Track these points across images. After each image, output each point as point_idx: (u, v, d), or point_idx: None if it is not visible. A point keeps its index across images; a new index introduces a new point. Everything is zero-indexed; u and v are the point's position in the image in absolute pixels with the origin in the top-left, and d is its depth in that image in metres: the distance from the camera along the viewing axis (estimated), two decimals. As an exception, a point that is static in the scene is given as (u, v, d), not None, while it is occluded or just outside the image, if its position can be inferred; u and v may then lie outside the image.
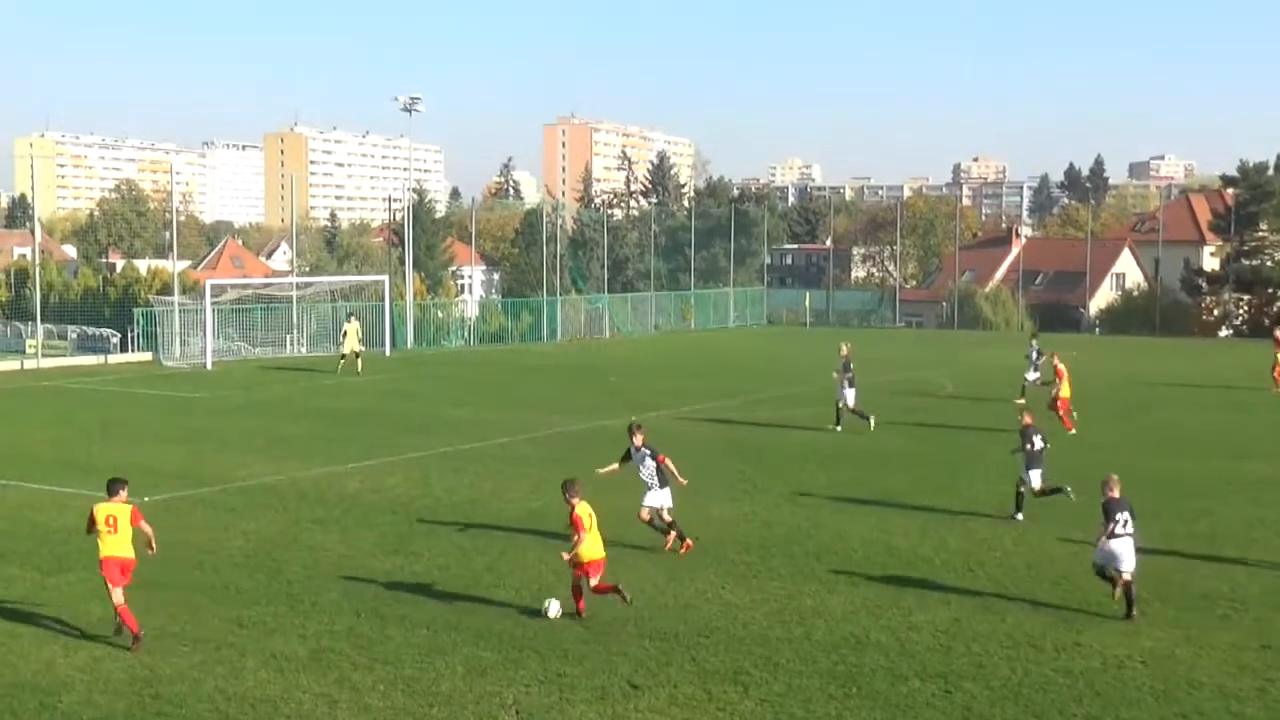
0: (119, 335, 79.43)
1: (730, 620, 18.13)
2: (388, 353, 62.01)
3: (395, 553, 21.93)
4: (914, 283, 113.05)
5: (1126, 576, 18.21)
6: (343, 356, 52.91)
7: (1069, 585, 19.87)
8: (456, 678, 15.76)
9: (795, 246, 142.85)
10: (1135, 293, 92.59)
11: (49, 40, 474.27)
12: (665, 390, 46.17)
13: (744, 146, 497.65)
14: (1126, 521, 18.28)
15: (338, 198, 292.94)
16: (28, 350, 65.60)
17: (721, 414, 40.06)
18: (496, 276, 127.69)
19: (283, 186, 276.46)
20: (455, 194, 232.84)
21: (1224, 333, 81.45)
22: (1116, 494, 18.61)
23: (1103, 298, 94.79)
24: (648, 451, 22.50)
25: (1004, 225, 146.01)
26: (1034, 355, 42.47)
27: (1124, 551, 18.25)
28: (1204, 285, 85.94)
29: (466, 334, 75.20)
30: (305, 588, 19.75)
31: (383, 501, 26.35)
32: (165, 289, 75.59)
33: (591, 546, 18.14)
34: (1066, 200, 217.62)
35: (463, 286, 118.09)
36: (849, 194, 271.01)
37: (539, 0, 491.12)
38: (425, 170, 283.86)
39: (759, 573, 20.74)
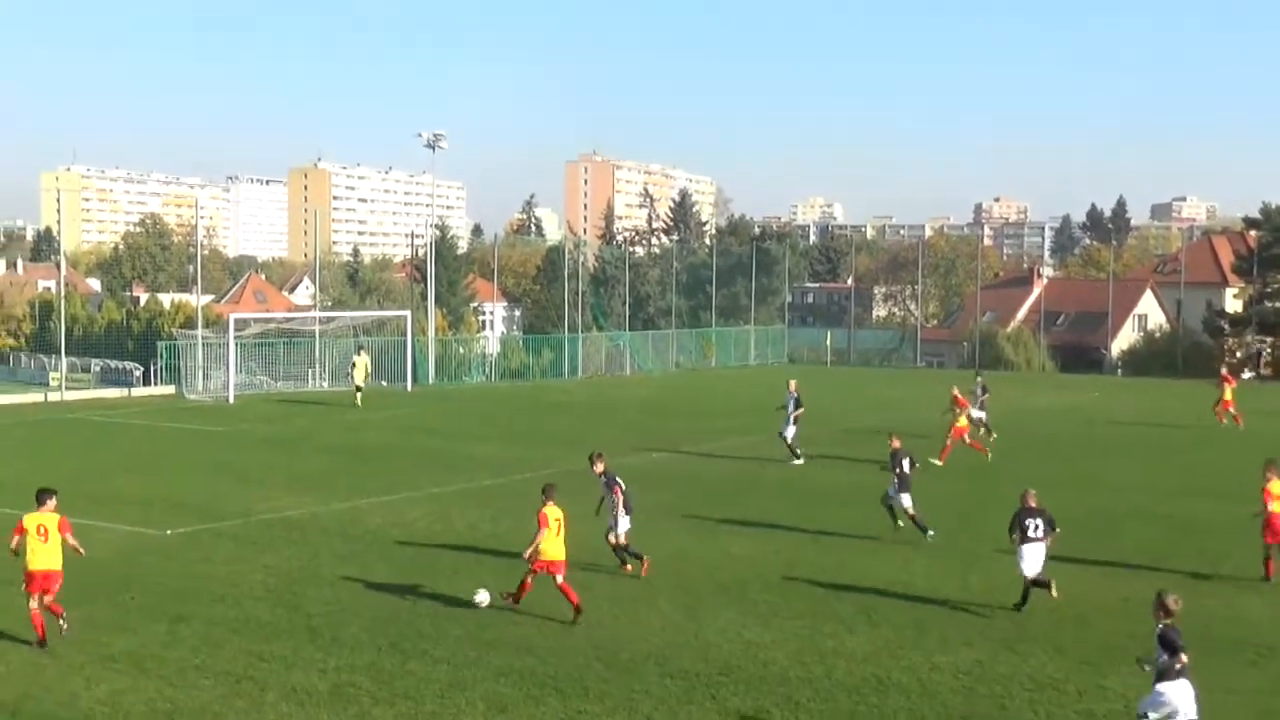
0: (142, 368, 79.89)
1: (751, 659, 18.10)
2: (409, 388, 62.13)
3: (416, 588, 21.94)
4: (935, 322, 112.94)
5: (1030, 576, 20.64)
6: (358, 388, 53.84)
7: (1091, 627, 19.81)
8: (477, 714, 15.77)
9: (816, 285, 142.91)
10: (1157, 334, 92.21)
11: (77, 74, 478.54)
12: (686, 427, 46.18)
13: (765, 185, 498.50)
14: (1037, 528, 20.65)
15: (360, 233, 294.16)
16: (52, 383, 65.98)
17: (742, 451, 40.02)
18: (518, 313, 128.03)
19: (306, 221, 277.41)
20: (477, 230, 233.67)
21: (1247, 375, 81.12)
22: (1032, 504, 21.01)
23: (1125, 339, 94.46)
24: (605, 480, 23.36)
25: (1025, 266, 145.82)
26: (979, 393, 43.26)
27: (1031, 555, 20.64)
28: (1226, 327, 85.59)
29: (488, 370, 75.30)
30: (326, 622, 19.77)
31: (404, 536, 26.37)
32: (188, 323, 75.92)
33: (553, 547, 19.99)
34: (1088, 241, 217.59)
35: (484, 323, 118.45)
36: (870, 233, 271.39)
37: (562, 38, 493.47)
38: (448, 206, 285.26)
39: (780, 612, 20.70)
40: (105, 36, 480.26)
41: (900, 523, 26.39)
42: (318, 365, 64.31)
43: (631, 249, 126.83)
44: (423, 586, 22.07)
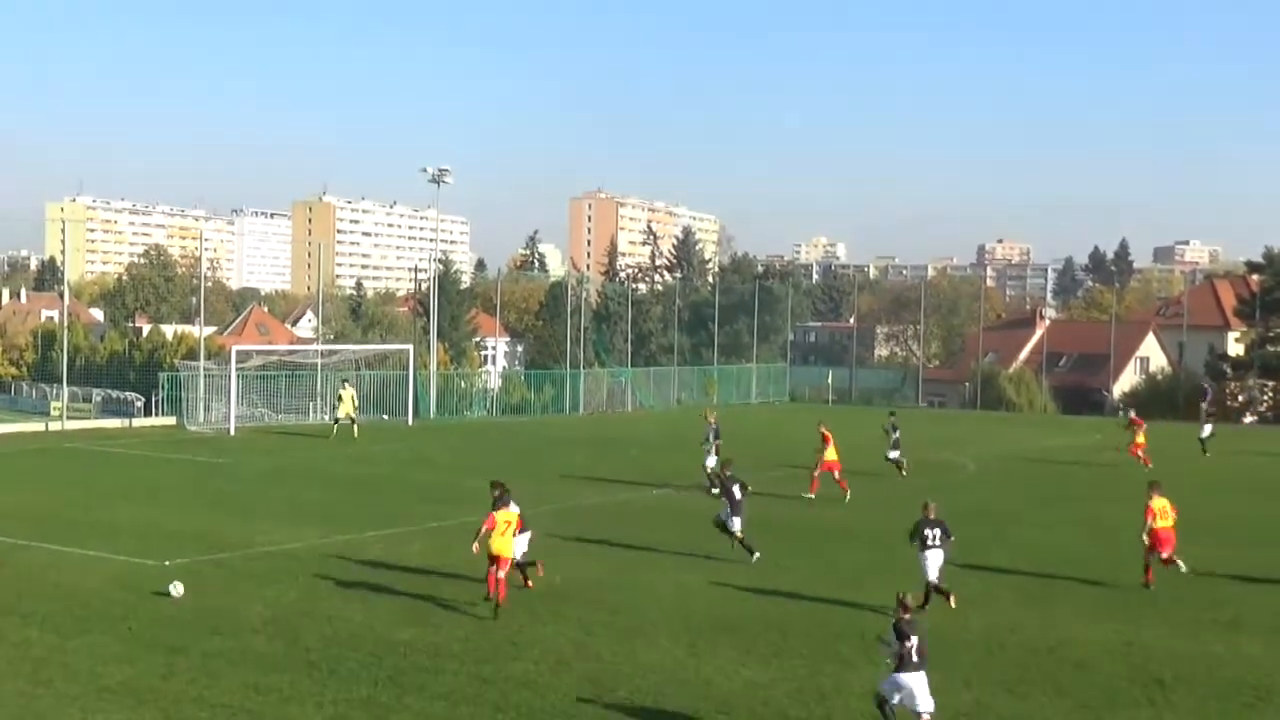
0: (143, 399, 79.77)
1: (750, 698, 18.01)
2: (410, 422, 62.12)
3: (414, 622, 21.87)
4: (937, 362, 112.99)
5: (932, 580, 23.07)
6: (337, 421, 54.42)
7: (1092, 669, 19.72)
8: (474, 749, 15.68)
9: (819, 324, 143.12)
10: (1159, 376, 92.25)
11: (84, 106, 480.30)
12: (686, 464, 46.12)
13: (768, 224, 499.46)
14: (935, 536, 23.17)
15: (364, 267, 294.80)
16: (53, 412, 65.93)
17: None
18: (520, 348, 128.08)
19: (310, 255, 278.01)
20: (481, 265, 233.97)
21: (1249, 419, 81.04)
22: (932, 516, 23.48)
23: (1126, 381, 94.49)
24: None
25: (1028, 307, 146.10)
26: (891, 431, 43.50)
27: (932, 560, 23.18)
28: (1229, 371, 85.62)
29: (489, 405, 75.31)
30: (323, 655, 19.69)
31: (403, 571, 26.28)
32: (191, 354, 76.01)
33: (500, 544, 22.58)
34: (1091, 283, 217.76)
35: (486, 357, 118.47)
36: (873, 273, 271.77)
37: (568, 75, 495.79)
38: (451, 241, 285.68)
39: (780, 651, 20.61)
40: (113, 69, 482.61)
41: (733, 545, 27.63)
42: (319, 398, 64.30)
43: (634, 285, 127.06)
44: (422, 621, 21.99)
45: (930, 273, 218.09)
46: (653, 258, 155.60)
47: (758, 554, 27.27)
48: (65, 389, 65.12)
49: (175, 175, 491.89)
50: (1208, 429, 52.88)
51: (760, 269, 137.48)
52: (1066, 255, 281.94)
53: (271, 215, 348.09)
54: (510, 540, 22.82)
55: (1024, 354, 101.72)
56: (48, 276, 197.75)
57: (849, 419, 69.27)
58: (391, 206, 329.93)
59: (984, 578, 26.54)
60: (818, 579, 26.23)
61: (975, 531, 32.71)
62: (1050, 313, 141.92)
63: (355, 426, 53.75)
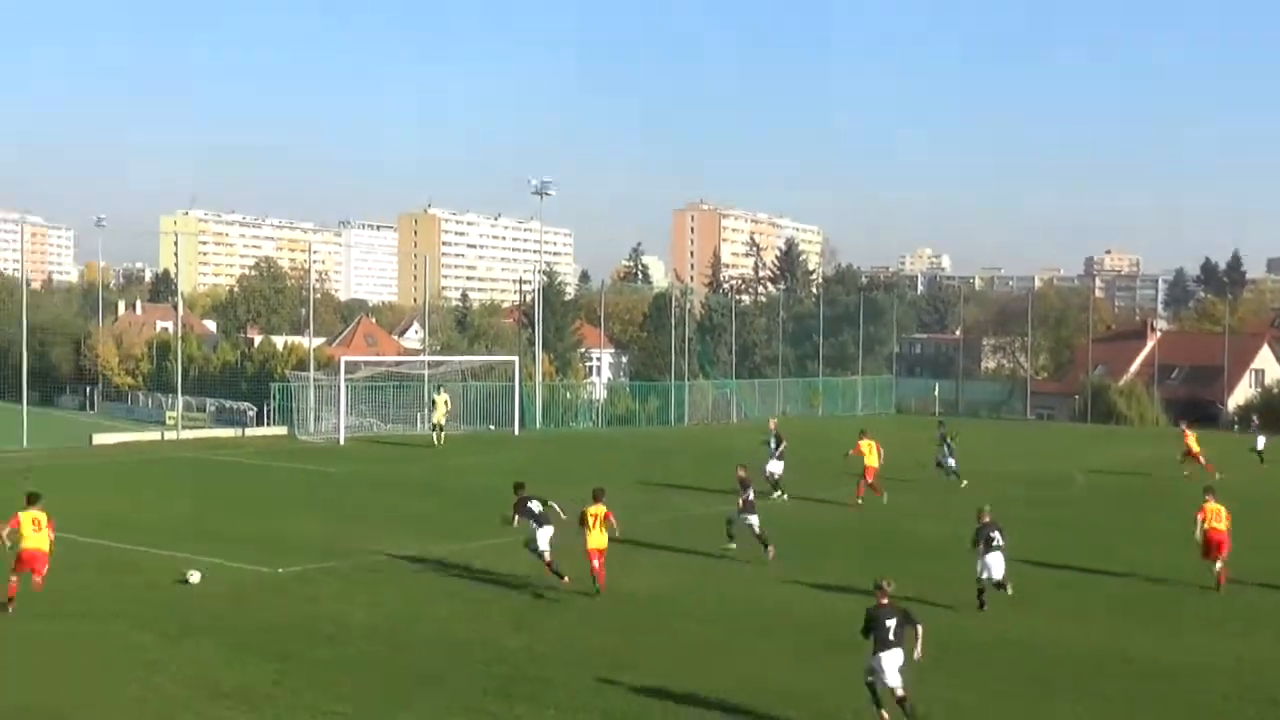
0: (255, 409, 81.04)
1: (857, 706, 17.87)
2: (516, 432, 62.49)
3: (521, 631, 22.01)
4: (1045, 375, 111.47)
5: (997, 579, 24.42)
6: (436, 427, 55.35)
7: (1202, 688, 19.36)
8: (582, 759, 15.75)
9: (924, 336, 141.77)
10: (1276, 390, 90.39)
11: (196, 122, 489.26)
12: (791, 476, 45.94)
13: (873, 235, 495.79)
14: (996, 539, 24.33)
15: (469, 278, 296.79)
16: (168, 421, 67.17)
17: (845, 500, 39.76)
18: (624, 359, 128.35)
19: (416, 266, 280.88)
20: (585, 277, 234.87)
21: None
22: (988, 520, 24.57)
23: (1241, 394, 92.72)
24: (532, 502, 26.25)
25: (1138, 318, 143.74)
26: (942, 441, 44.86)
27: (995, 562, 24.31)
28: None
29: (594, 416, 75.55)
30: (432, 663, 19.87)
31: (510, 580, 26.45)
32: (301, 364, 76.98)
33: (595, 538, 24.81)
34: (1203, 294, 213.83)
35: (591, 369, 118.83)
36: (979, 284, 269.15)
37: (671, 88, 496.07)
38: (555, 253, 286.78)
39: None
40: (225, 85, 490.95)
41: (733, 545, 29.30)
42: (426, 409, 64.89)
43: (738, 297, 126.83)
44: (530, 629, 22.12)
45: (1037, 284, 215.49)
46: (756, 269, 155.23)
47: (771, 548, 28.63)
48: (180, 399, 66.38)
49: (284, 188, 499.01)
50: (1261, 440, 54.42)
51: (865, 280, 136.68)
52: (1177, 266, 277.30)
53: (378, 228, 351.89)
54: (602, 533, 25.01)
55: (1134, 366, 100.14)
56: (162, 288, 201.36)
57: (958, 430, 68.73)
58: (496, 219, 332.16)
59: (1089, 592, 26.21)
60: (925, 590, 25.97)
61: (1082, 545, 32.30)
62: (1161, 324, 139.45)
63: (443, 434, 54.88)
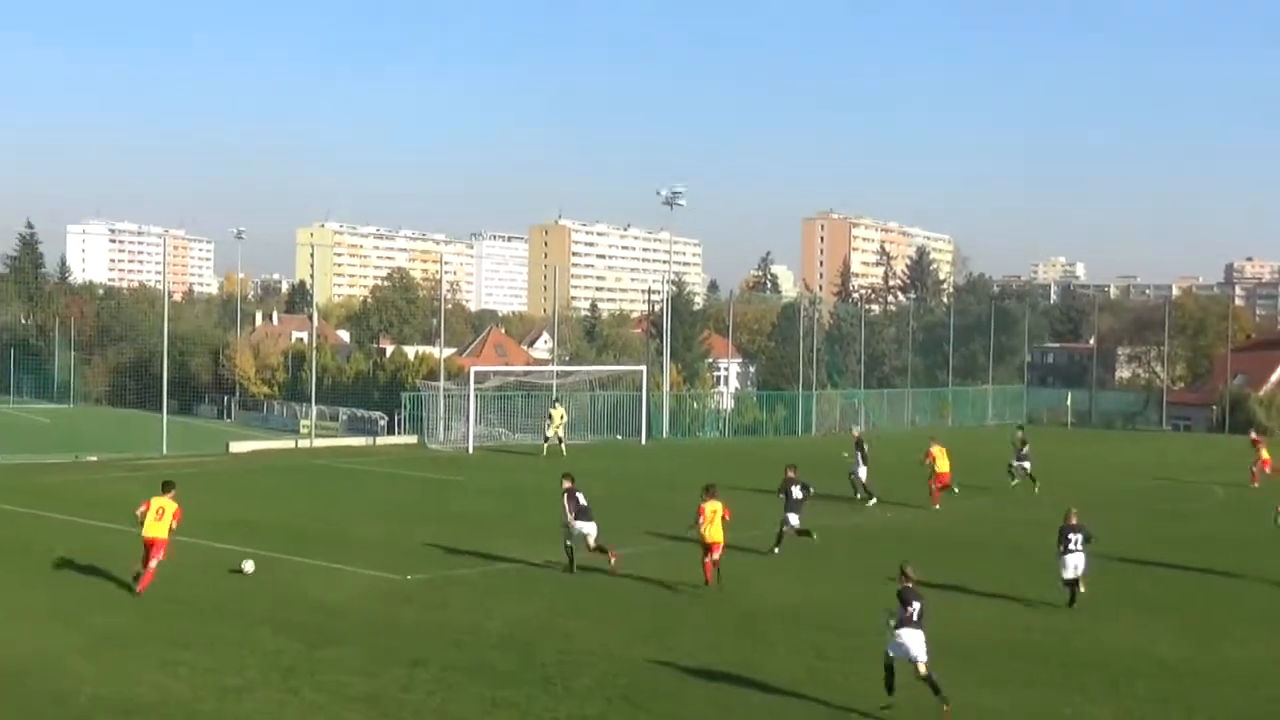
0: (386, 418, 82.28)
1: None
2: (644, 442, 62.64)
3: (648, 640, 22.04)
4: (1182, 385, 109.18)
5: (1067, 578, 25.29)
6: (547, 439, 55.52)
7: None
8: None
9: (1057, 345, 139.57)
10: None
11: (332, 136, 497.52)
12: (919, 488, 45.56)
13: (1005, 244, 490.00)
14: (1077, 541, 25.15)
15: (598, 289, 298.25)
16: (302, 430, 68.45)
17: (978, 511, 39.30)
18: (752, 369, 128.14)
19: (546, 277, 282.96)
20: (713, 287, 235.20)
21: None
22: (1074, 522, 25.38)
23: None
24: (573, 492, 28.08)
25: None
26: (1019, 446, 46.26)
27: (1071, 563, 25.17)
28: None
29: (721, 425, 75.49)
30: (559, 671, 19.98)
31: (637, 589, 26.53)
32: (431, 374, 77.95)
33: (712, 532, 25.97)
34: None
35: (719, 378, 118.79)
36: (1114, 292, 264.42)
37: (801, 97, 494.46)
38: (684, 263, 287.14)
39: (1013, 678, 20.19)
40: (357, 103, 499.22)
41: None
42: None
43: (867, 306, 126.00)
44: (657, 640, 22.14)
45: (1175, 292, 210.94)
46: (886, 278, 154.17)
47: (814, 535, 31.22)
48: (314, 408, 67.55)
49: (417, 200, 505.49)
50: None
51: (996, 289, 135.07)
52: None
53: (509, 239, 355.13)
54: (719, 527, 26.12)
55: (1276, 376, 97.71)
56: (298, 299, 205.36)
57: (1091, 442, 67.63)
58: (625, 229, 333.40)
59: (1239, 610, 25.63)
60: (1049, 607, 25.59)
61: (1226, 559, 31.52)
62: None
63: (563, 445, 54.97)
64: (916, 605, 18.12)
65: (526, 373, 72.92)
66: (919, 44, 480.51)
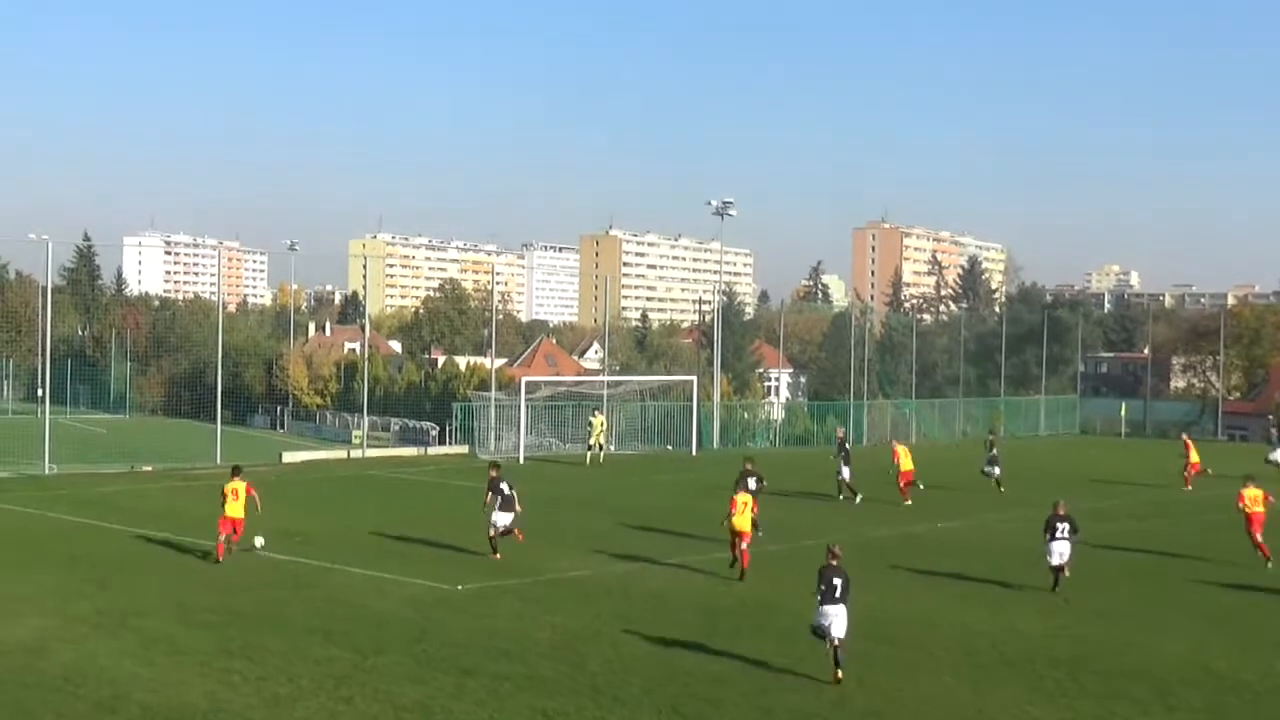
0: (438, 428, 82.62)
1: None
2: (694, 452, 62.64)
3: (698, 650, 22.06)
4: (1238, 394, 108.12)
5: (1056, 564, 27.18)
6: (590, 448, 56.64)
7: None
8: (754, 779, 15.73)
9: (1111, 355, 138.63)
10: None
11: (383, 148, 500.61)
12: (972, 498, 45.36)
13: (1058, 253, 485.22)
14: (1063, 530, 26.96)
15: (649, 299, 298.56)
16: (354, 440, 68.90)
17: (1030, 523, 39.02)
18: (803, 379, 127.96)
19: (596, 287, 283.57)
20: (764, 297, 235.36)
21: None
22: (1061, 512, 27.25)
23: None
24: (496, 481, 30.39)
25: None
26: (990, 449, 47.84)
27: (1057, 549, 27.07)
28: None
29: (772, 435, 75.41)
30: (608, 681, 20.04)
31: (687, 599, 26.57)
32: (483, 385, 78.30)
33: (741, 521, 28.44)
34: None
35: (769, 388, 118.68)
36: (1168, 301, 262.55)
37: (849, 106, 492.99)
38: (735, 273, 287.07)
39: (1068, 690, 20.07)
40: (410, 114, 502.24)
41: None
42: (607, 429, 65.43)
43: (919, 316, 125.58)
44: (703, 649, 22.17)
45: (1230, 301, 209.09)
46: (938, 288, 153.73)
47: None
48: (365, 418, 68.03)
49: (468, 212, 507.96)
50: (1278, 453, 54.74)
51: (1049, 298, 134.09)
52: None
53: (560, 249, 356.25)
54: (747, 516, 28.61)
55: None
56: (350, 310, 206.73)
57: (1145, 452, 67.09)
58: (676, 239, 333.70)
59: (1273, 620, 25.43)
60: (1112, 617, 25.45)
61: (1262, 572, 31.22)
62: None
63: (602, 454, 55.62)
64: (838, 582, 20.09)
65: (577, 383, 73.07)
66: (972, 51, 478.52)
